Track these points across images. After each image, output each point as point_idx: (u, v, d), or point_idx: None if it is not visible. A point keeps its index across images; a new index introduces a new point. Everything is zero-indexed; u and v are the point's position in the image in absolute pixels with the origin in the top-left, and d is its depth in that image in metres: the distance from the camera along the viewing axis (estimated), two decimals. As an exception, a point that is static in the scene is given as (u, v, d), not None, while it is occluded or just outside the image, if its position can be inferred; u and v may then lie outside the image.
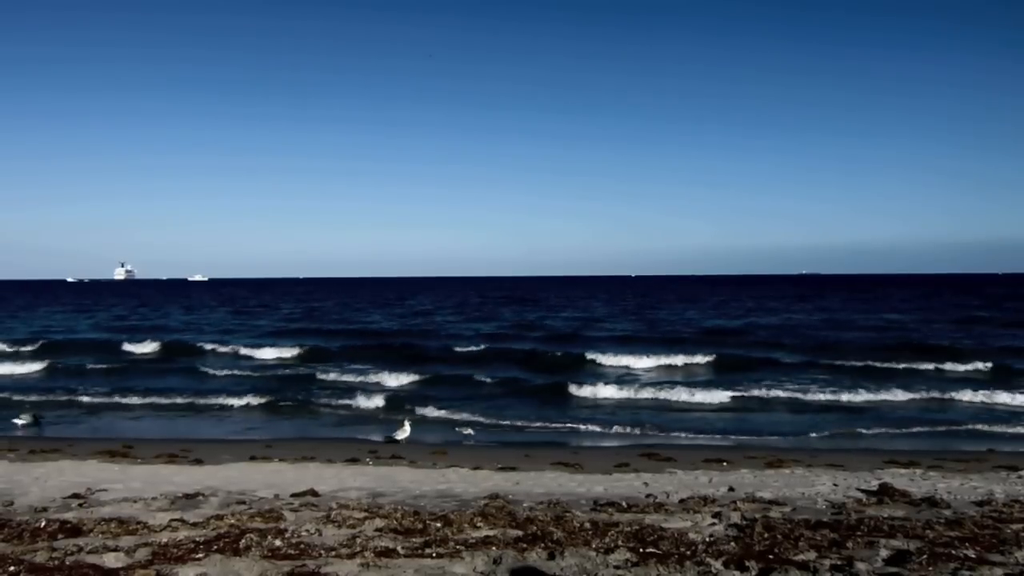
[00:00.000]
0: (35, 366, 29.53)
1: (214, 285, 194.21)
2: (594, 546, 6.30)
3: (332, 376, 25.78)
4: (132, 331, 42.46)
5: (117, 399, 21.78)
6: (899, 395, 20.82)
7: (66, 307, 72.12)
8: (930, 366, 25.54)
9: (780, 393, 21.30)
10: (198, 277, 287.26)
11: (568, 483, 10.91)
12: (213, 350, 34.16)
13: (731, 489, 10.04)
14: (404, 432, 15.11)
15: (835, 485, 10.36)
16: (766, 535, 6.74)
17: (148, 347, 34.91)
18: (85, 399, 21.86)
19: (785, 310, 58.17)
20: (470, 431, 16.73)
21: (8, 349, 34.46)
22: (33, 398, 21.94)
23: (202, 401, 21.40)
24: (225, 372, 27.62)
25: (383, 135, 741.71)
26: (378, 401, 20.87)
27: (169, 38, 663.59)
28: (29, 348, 34.83)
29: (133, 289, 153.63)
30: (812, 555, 6.03)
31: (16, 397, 22.02)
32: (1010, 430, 16.40)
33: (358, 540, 6.58)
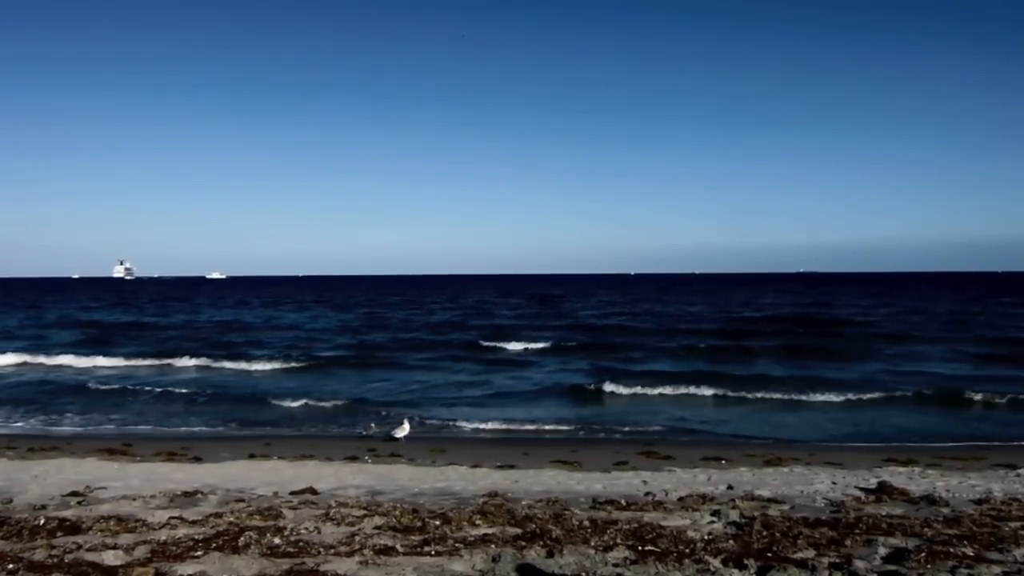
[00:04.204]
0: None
1: (236, 283, 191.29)
2: (593, 544, 6.30)
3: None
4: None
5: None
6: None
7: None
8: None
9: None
10: (216, 275, 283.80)
11: (567, 481, 10.91)
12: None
13: (730, 487, 10.04)
14: (403, 430, 15.11)
15: (834, 483, 10.38)
16: (765, 533, 6.75)
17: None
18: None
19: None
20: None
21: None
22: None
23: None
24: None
25: (383, 134, 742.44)
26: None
27: (170, 36, 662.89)
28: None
29: (171, 287, 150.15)
30: (811, 553, 6.04)
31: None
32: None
33: (357, 538, 6.59)
